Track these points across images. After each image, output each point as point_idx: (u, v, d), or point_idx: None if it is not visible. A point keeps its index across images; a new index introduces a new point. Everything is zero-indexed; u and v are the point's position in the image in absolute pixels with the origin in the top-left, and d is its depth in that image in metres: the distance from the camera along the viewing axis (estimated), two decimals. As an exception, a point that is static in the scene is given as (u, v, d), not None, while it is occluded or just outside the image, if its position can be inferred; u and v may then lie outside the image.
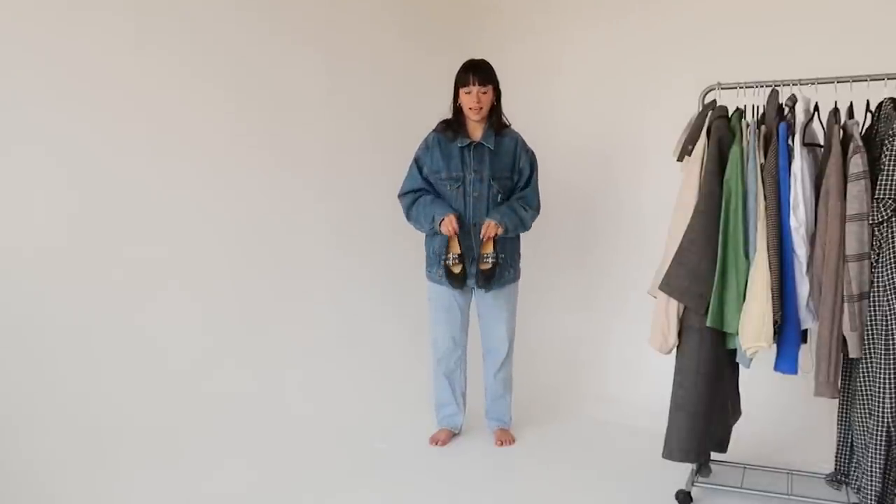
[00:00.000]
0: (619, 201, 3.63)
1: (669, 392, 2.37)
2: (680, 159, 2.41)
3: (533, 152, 2.88)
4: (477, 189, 2.75)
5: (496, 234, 2.72)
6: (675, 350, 2.37)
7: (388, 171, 3.63)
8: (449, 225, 2.69)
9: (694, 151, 2.34)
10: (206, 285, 2.96)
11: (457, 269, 2.77)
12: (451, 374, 2.97)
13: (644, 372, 3.18)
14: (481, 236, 2.74)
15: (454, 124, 2.79)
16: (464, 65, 2.75)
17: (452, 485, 2.64)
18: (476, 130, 2.79)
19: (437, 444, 2.93)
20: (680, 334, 2.34)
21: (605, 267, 3.70)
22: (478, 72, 2.70)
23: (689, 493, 2.43)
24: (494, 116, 2.79)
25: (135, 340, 2.71)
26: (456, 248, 2.77)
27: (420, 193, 2.81)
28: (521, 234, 2.90)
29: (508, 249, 2.84)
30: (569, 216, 3.69)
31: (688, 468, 2.51)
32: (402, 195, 2.87)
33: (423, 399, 3.15)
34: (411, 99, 3.75)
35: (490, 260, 2.78)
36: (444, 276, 2.77)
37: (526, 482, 2.67)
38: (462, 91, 2.73)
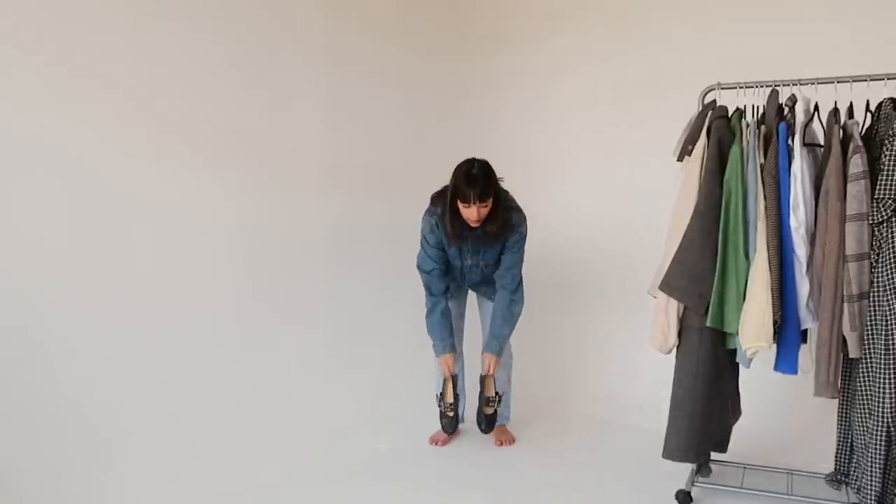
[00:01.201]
0: (620, 201, 3.63)
1: (669, 392, 2.37)
2: (680, 159, 2.41)
3: (525, 230, 2.83)
4: (472, 269, 2.88)
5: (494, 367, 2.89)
6: (675, 350, 2.37)
7: (387, 174, 3.65)
8: (444, 366, 2.93)
9: (694, 151, 2.34)
10: (207, 287, 2.96)
11: (450, 414, 2.96)
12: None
13: (644, 372, 3.18)
14: (483, 373, 2.92)
15: (454, 224, 2.69)
16: (463, 175, 2.59)
17: (452, 484, 2.64)
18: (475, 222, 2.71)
19: (436, 444, 2.94)
20: (680, 334, 2.34)
21: (604, 267, 3.70)
22: (477, 187, 2.57)
23: (689, 493, 2.43)
24: (496, 219, 2.68)
25: (135, 342, 2.70)
26: (449, 398, 2.95)
27: (432, 311, 2.93)
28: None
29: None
30: (569, 217, 3.69)
31: (688, 468, 2.51)
32: (420, 270, 2.92)
33: (424, 399, 3.15)
34: (411, 101, 3.75)
35: (493, 405, 2.94)
36: (440, 419, 2.99)
37: (526, 482, 2.67)
38: (460, 203, 2.62)
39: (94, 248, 2.61)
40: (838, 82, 2.23)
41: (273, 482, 2.58)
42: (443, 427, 3.00)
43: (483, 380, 2.95)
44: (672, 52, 3.41)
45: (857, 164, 2.09)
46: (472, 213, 2.61)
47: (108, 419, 2.58)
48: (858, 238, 2.09)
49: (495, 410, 2.96)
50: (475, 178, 2.58)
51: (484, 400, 2.96)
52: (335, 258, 3.48)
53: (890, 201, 2.05)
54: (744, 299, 2.20)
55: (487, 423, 2.94)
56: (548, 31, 3.82)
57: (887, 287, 2.05)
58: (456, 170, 2.65)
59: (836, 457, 2.45)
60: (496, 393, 2.95)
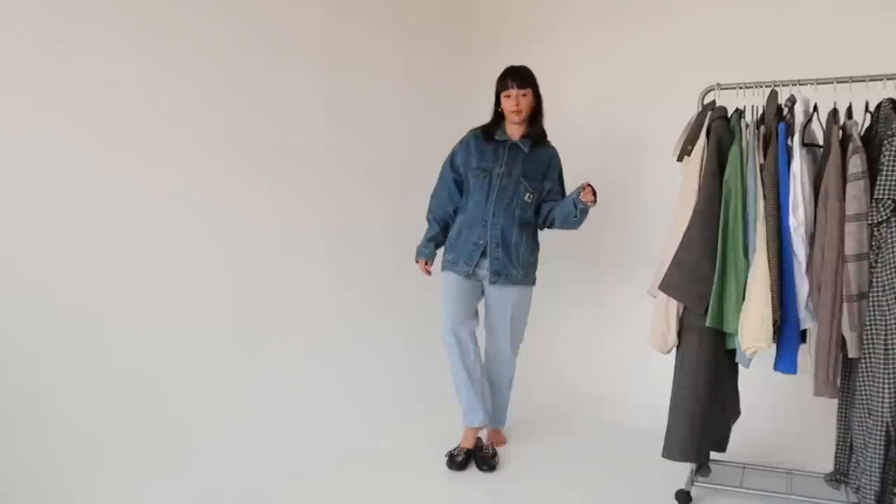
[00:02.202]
0: (620, 202, 3.63)
1: (669, 392, 2.37)
2: (679, 159, 2.42)
3: (561, 163, 2.88)
4: (504, 181, 2.74)
5: (592, 199, 2.66)
6: (674, 350, 2.37)
7: (385, 175, 3.65)
8: (422, 268, 2.90)
9: (693, 152, 2.35)
10: (207, 288, 2.96)
11: (459, 459, 2.78)
12: (466, 361, 2.83)
13: (644, 372, 3.18)
14: (485, 448, 2.84)
15: (493, 125, 2.82)
16: (503, 72, 2.76)
17: (453, 484, 2.65)
18: (515, 133, 2.80)
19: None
20: (679, 334, 2.34)
21: (604, 267, 3.70)
22: (517, 76, 2.72)
23: (688, 492, 2.43)
24: (537, 124, 2.80)
25: (135, 341, 2.71)
26: (467, 445, 2.85)
27: (433, 210, 2.90)
28: (530, 237, 2.84)
29: (524, 251, 2.78)
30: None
31: (688, 468, 2.52)
32: (433, 194, 2.94)
33: (424, 399, 3.15)
34: (411, 102, 3.76)
35: (492, 456, 2.83)
36: (447, 462, 2.79)
37: (526, 482, 2.67)
38: (502, 95, 2.74)
39: (92, 248, 2.61)
40: (838, 82, 2.23)
41: (273, 482, 2.58)
42: (450, 465, 2.79)
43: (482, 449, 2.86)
44: (672, 52, 3.41)
45: (856, 164, 2.09)
46: (511, 102, 2.71)
47: (108, 419, 2.58)
48: (858, 238, 2.09)
49: (495, 454, 2.86)
50: (515, 68, 2.76)
51: (481, 460, 2.82)
52: (335, 258, 3.48)
53: (889, 201, 2.05)
54: (743, 299, 2.20)
55: (489, 467, 2.79)
56: (547, 31, 3.82)
57: (886, 287, 2.05)
58: None
59: (835, 456, 2.45)
60: (493, 452, 2.87)
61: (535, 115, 2.79)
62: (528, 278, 2.84)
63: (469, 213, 2.80)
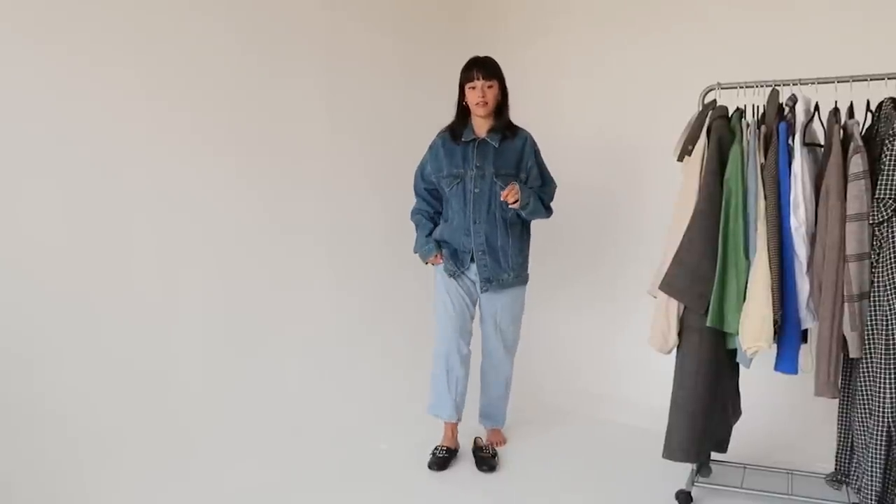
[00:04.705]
0: (620, 202, 3.63)
1: (670, 392, 2.37)
2: (680, 159, 2.41)
3: (537, 145, 2.81)
4: (478, 185, 2.68)
5: (515, 201, 2.60)
6: (675, 350, 2.37)
7: (386, 171, 3.65)
8: (434, 262, 2.81)
9: (694, 151, 2.34)
10: (207, 288, 2.96)
11: (440, 456, 2.78)
12: (450, 367, 2.84)
13: (644, 372, 3.18)
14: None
15: (458, 124, 2.74)
16: (468, 62, 2.69)
17: (452, 484, 2.64)
18: (482, 128, 2.72)
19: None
20: (680, 334, 2.33)
21: (604, 267, 3.70)
22: (482, 67, 2.64)
23: (689, 493, 2.43)
24: (503, 117, 2.72)
25: (135, 341, 2.71)
26: (447, 444, 2.85)
27: (419, 211, 2.87)
28: (516, 237, 2.80)
29: (512, 252, 2.75)
30: (569, 217, 3.68)
31: (688, 468, 2.51)
32: (415, 192, 2.91)
33: (423, 399, 3.14)
34: (411, 103, 3.75)
35: (492, 456, 2.81)
36: (430, 462, 2.78)
37: (526, 482, 2.67)
38: (467, 87, 2.66)
39: (92, 247, 2.61)
40: (838, 82, 2.23)
41: (273, 482, 2.58)
42: (431, 465, 2.78)
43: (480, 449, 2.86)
44: (672, 51, 3.40)
45: (857, 163, 2.09)
46: (476, 93, 2.63)
47: (108, 419, 2.58)
48: (859, 238, 2.09)
49: (495, 455, 2.85)
50: (480, 59, 2.69)
51: (481, 460, 2.81)
52: (335, 257, 3.48)
53: (890, 201, 2.05)
54: (744, 299, 2.20)
55: (489, 467, 2.79)
56: (547, 30, 3.81)
57: (888, 287, 2.05)
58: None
59: (836, 457, 2.44)
60: (493, 453, 2.85)
61: (500, 108, 2.71)
62: (520, 278, 2.81)
63: (451, 224, 2.76)
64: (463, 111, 2.74)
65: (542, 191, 2.80)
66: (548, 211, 2.83)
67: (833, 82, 2.23)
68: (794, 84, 2.28)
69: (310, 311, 3.36)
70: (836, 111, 2.21)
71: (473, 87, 2.64)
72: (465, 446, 2.94)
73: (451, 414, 2.86)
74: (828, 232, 2.13)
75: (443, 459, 2.78)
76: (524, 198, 2.63)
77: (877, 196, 2.07)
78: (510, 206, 2.64)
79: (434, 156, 2.79)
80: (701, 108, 2.42)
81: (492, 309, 2.84)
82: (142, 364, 2.72)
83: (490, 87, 2.65)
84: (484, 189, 2.69)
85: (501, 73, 2.70)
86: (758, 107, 2.32)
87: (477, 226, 2.70)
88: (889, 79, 2.17)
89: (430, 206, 2.87)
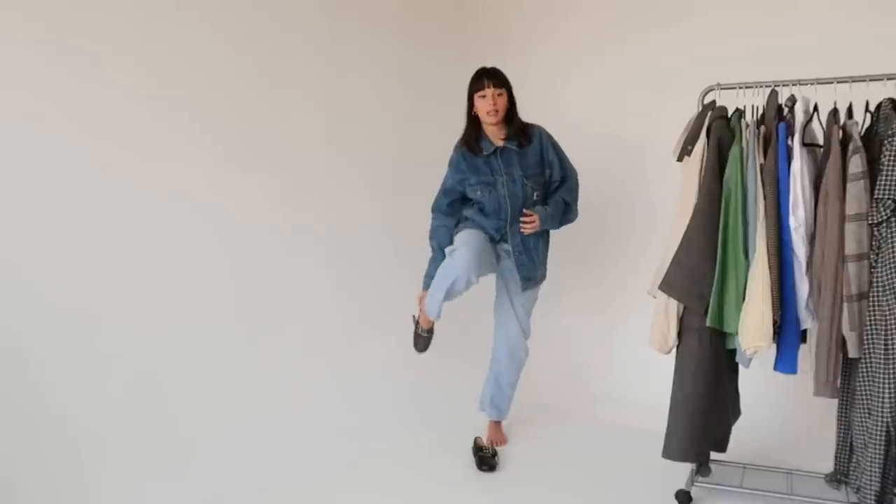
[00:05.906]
0: (620, 202, 3.63)
1: (669, 392, 2.37)
2: (680, 159, 2.41)
3: (553, 138, 2.83)
4: (511, 188, 2.72)
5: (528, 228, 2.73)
6: (674, 350, 2.37)
7: (387, 172, 3.65)
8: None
9: (694, 151, 2.34)
10: (207, 289, 2.96)
11: (424, 335, 2.87)
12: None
13: (644, 372, 3.18)
14: (486, 446, 2.87)
15: (471, 135, 2.75)
16: (476, 72, 2.72)
17: (452, 484, 2.65)
18: (497, 136, 2.74)
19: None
20: (680, 334, 2.34)
21: (604, 267, 3.71)
22: (491, 76, 2.68)
23: (689, 493, 2.43)
24: (513, 120, 2.74)
25: (134, 341, 2.71)
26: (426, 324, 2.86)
27: (438, 229, 2.86)
28: (545, 233, 2.88)
29: (542, 250, 2.87)
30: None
31: (688, 468, 2.52)
32: (433, 211, 2.91)
33: (424, 400, 3.15)
34: (412, 103, 3.76)
35: (491, 453, 2.85)
36: (413, 338, 2.89)
37: (526, 482, 2.67)
38: (477, 96, 2.68)
39: (93, 248, 2.61)
40: (838, 82, 2.23)
41: (273, 482, 2.58)
42: (416, 345, 2.92)
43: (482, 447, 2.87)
44: (672, 51, 3.41)
45: (856, 164, 2.09)
46: (487, 102, 2.65)
47: (109, 419, 2.58)
48: (858, 238, 2.09)
49: (495, 454, 2.85)
50: (487, 69, 2.72)
51: (481, 460, 2.81)
52: (335, 257, 3.48)
53: (889, 201, 2.05)
54: (743, 299, 2.20)
55: (489, 467, 2.79)
56: (548, 31, 3.82)
57: (887, 287, 2.05)
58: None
59: (835, 457, 2.45)
60: (493, 453, 2.85)
61: (510, 115, 2.73)
62: (545, 275, 2.94)
63: (485, 220, 2.79)
64: (473, 122, 2.76)
65: (564, 191, 2.83)
66: (573, 214, 2.90)
67: (832, 83, 2.23)
68: (793, 84, 2.28)
69: (310, 311, 3.36)
70: (835, 112, 2.21)
71: (483, 96, 2.66)
72: (466, 446, 2.95)
73: (438, 315, 2.80)
74: (827, 232, 2.13)
75: (426, 339, 2.88)
76: (541, 222, 2.75)
77: (876, 196, 2.07)
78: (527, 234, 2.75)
79: (456, 170, 2.79)
80: (701, 109, 2.42)
81: (520, 300, 2.91)
82: (142, 364, 2.72)
83: (500, 94, 2.68)
84: (516, 192, 2.74)
85: (509, 83, 2.73)
86: (757, 107, 2.32)
87: (513, 227, 2.77)
88: (888, 79, 2.17)
89: (453, 219, 2.87)
